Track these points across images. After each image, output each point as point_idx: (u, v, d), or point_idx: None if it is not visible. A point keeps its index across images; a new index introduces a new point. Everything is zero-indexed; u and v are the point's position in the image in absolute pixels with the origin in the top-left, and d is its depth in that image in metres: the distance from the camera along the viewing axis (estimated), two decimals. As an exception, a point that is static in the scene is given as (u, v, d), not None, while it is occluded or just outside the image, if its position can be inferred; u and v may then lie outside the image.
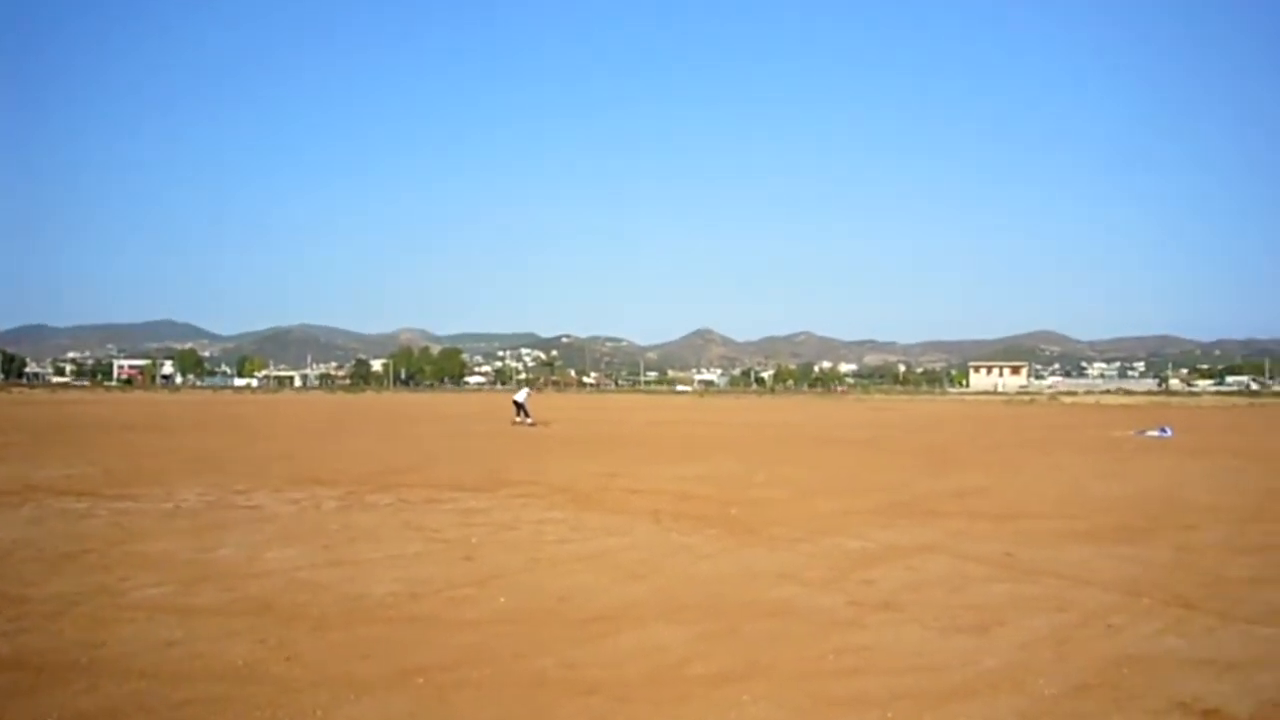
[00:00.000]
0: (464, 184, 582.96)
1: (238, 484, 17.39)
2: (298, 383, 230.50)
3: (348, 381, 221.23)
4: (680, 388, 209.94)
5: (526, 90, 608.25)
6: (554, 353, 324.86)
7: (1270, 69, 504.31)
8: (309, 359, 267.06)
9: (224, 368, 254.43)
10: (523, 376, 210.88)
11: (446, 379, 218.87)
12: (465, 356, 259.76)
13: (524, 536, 12.04)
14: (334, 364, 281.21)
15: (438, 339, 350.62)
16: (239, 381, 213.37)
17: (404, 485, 17.61)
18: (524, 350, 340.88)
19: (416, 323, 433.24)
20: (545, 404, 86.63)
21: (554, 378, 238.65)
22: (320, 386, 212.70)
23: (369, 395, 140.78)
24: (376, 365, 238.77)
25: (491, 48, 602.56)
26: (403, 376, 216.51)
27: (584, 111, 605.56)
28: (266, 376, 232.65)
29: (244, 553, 10.64)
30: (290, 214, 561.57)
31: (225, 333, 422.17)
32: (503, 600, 8.51)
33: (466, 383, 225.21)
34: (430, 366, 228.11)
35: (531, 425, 40.25)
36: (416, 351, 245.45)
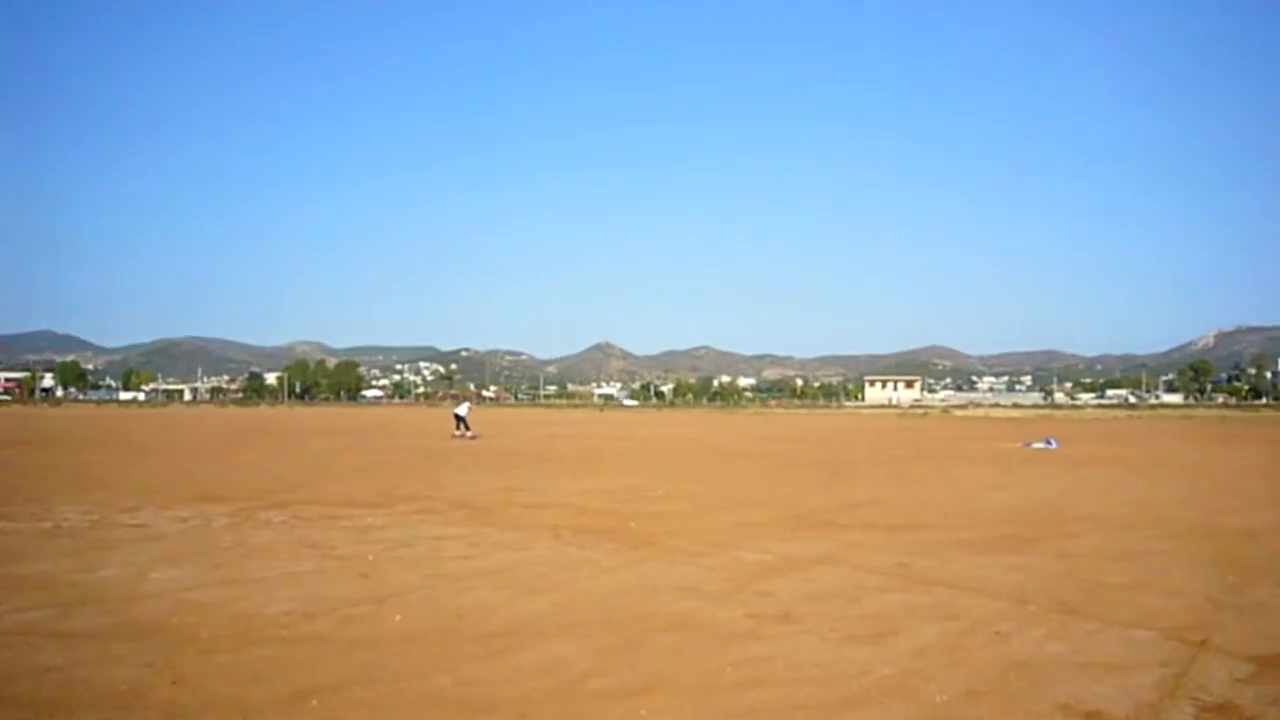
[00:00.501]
0: (361, 195, 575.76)
1: (123, 501, 16.85)
2: (188, 396, 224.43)
3: (240, 395, 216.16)
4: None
5: (426, 104, 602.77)
6: (453, 366, 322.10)
7: (1146, 107, 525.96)
8: (199, 372, 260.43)
9: (109, 381, 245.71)
10: (455, 392, 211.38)
11: (343, 392, 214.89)
12: (362, 370, 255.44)
13: (421, 553, 11.89)
14: (226, 377, 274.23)
15: (334, 352, 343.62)
16: (125, 395, 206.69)
17: (298, 501, 17.27)
18: (423, 364, 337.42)
19: (312, 335, 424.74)
20: (444, 418, 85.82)
21: (453, 391, 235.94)
22: (211, 400, 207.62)
23: (262, 409, 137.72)
24: (270, 378, 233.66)
25: (388, 61, 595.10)
26: (298, 390, 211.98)
27: (484, 126, 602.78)
28: (154, 390, 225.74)
29: (129, 573, 10.30)
30: (180, 222, 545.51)
31: (110, 344, 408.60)
32: (399, 618, 8.39)
33: (364, 396, 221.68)
34: (326, 380, 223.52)
35: (472, 438, 41.26)
36: (312, 364, 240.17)
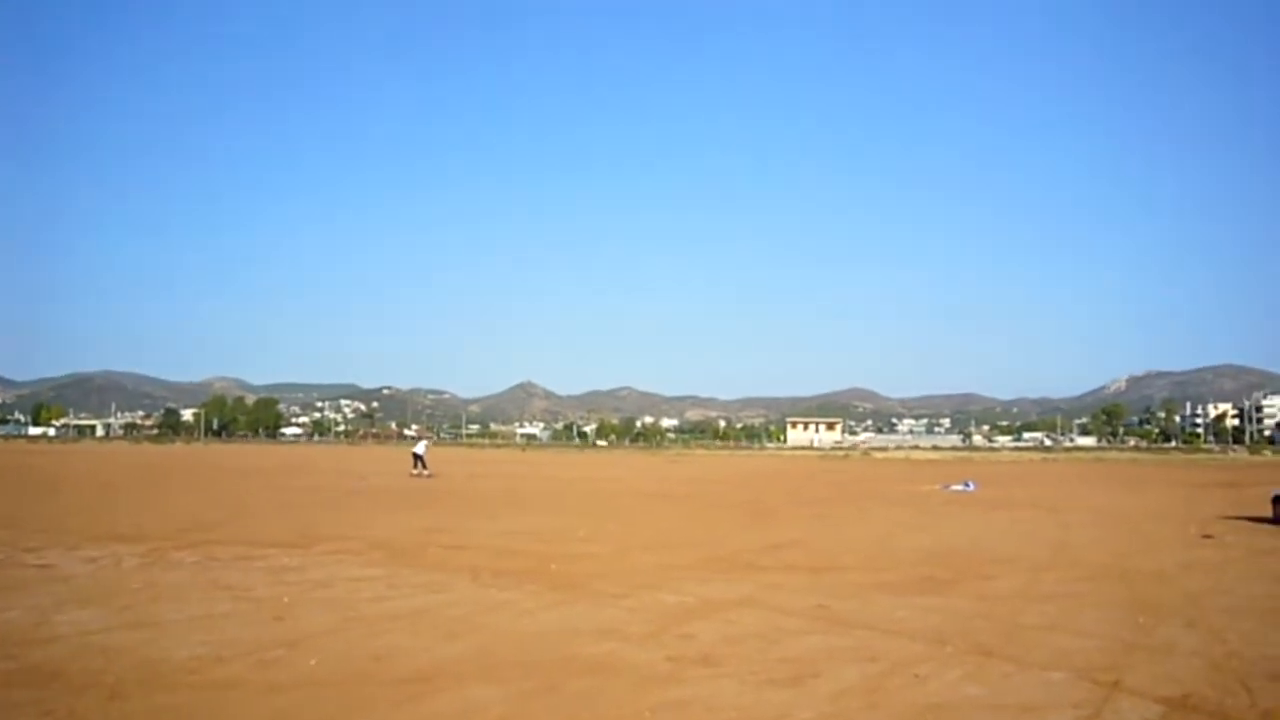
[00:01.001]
0: (281, 229, 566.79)
1: (28, 541, 16.32)
2: (100, 432, 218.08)
3: (155, 431, 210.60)
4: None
5: (349, 139, 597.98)
6: (375, 404, 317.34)
7: (1056, 153, 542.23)
8: (113, 407, 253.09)
9: (18, 415, 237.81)
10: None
11: (262, 430, 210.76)
12: (282, 407, 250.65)
13: (339, 594, 11.69)
14: (141, 413, 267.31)
15: (253, 388, 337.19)
16: (34, 430, 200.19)
17: (213, 541, 16.87)
18: (344, 401, 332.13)
19: (231, 371, 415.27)
20: (367, 456, 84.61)
21: (374, 430, 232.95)
22: (125, 436, 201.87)
23: (178, 446, 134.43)
24: (187, 415, 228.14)
25: (311, 100, 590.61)
26: (215, 427, 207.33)
27: (405, 162, 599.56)
28: (65, 425, 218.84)
29: (32, 616, 9.96)
30: (94, 254, 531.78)
31: (19, 378, 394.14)
32: (314, 662, 8.23)
33: (283, 434, 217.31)
34: (245, 417, 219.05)
35: (429, 476, 42.52)
36: (230, 401, 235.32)
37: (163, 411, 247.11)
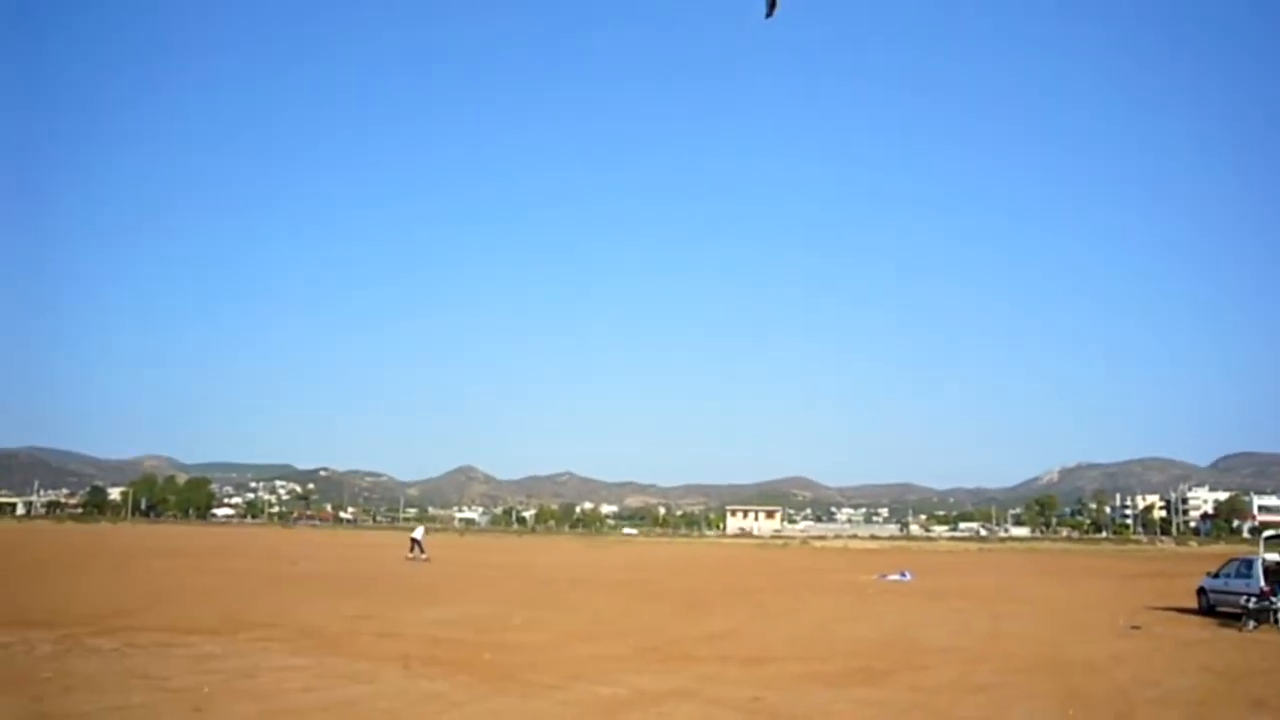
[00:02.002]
0: (217, 307, 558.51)
1: (-65, 626, 15.70)
2: (21, 510, 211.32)
3: (80, 511, 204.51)
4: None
5: (277, 217, 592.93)
6: (311, 486, 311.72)
7: (988, 248, 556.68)
8: (35, 485, 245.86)
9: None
10: (411, 515, 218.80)
11: (192, 511, 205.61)
12: (215, 487, 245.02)
13: (262, 685, 11.35)
14: (65, 491, 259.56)
15: (186, 467, 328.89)
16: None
17: (133, 628, 16.36)
18: (279, 482, 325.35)
19: (163, 449, 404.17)
20: (301, 540, 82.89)
21: (309, 512, 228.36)
22: (48, 515, 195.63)
23: (103, 526, 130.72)
24: (114, 494, 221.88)
25: (233, 174, 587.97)
26: (144, 507, 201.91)
27: (343, 241, 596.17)
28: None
29: (-66, 706, 9.55)
30: (19, 323, 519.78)
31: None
32: (232, 756, 7.96)
33: (215, 515, 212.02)
34: (175, 497, 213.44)
35: (426, 560, 44.85)
36: (161, 480, 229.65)
37: (88, 490, 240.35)
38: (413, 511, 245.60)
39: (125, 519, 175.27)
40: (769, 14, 12.30)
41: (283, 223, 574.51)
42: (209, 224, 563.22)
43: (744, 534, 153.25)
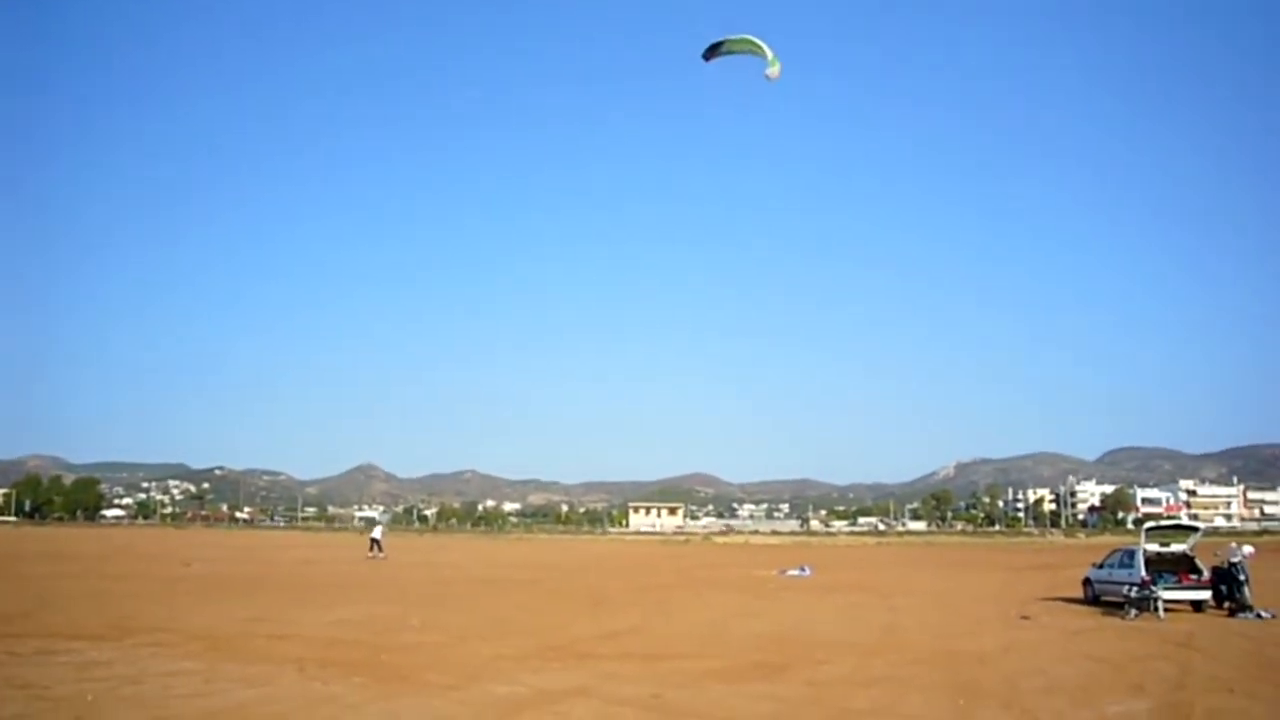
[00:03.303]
0: (104, 299, 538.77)
1: None
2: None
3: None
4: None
5: (182, 207, 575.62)
6: (206, 485, 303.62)
7: (882, 243, 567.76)
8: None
9: None
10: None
11: (81, 512, 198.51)
12: (104, 487, 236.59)
13: (149, 691, 11.02)
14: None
15: (73, 467, 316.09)
16: None
17: (11, 635, 15.73)
18: (172, 482, 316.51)
19: (48, 449, 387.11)
20: (194, 541, 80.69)
21: (203, 512, 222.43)
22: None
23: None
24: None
25: (137, 179, 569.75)
26: (27, 509, 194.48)
27: (242, 233, 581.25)
28: None
29: None
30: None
31: None
32: (115, 766, 7.72)
33: (104, 517, 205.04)
34: (61, 498, 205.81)
35: (383, 558, 46.48)
36: (46, 480, 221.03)
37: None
38: (311, 510, 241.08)
39: (7, 521, 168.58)
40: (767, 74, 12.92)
41: (181, 208, 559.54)
42: (90, 209, 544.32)
43: (647, 531, 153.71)
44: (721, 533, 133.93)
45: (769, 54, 14.37)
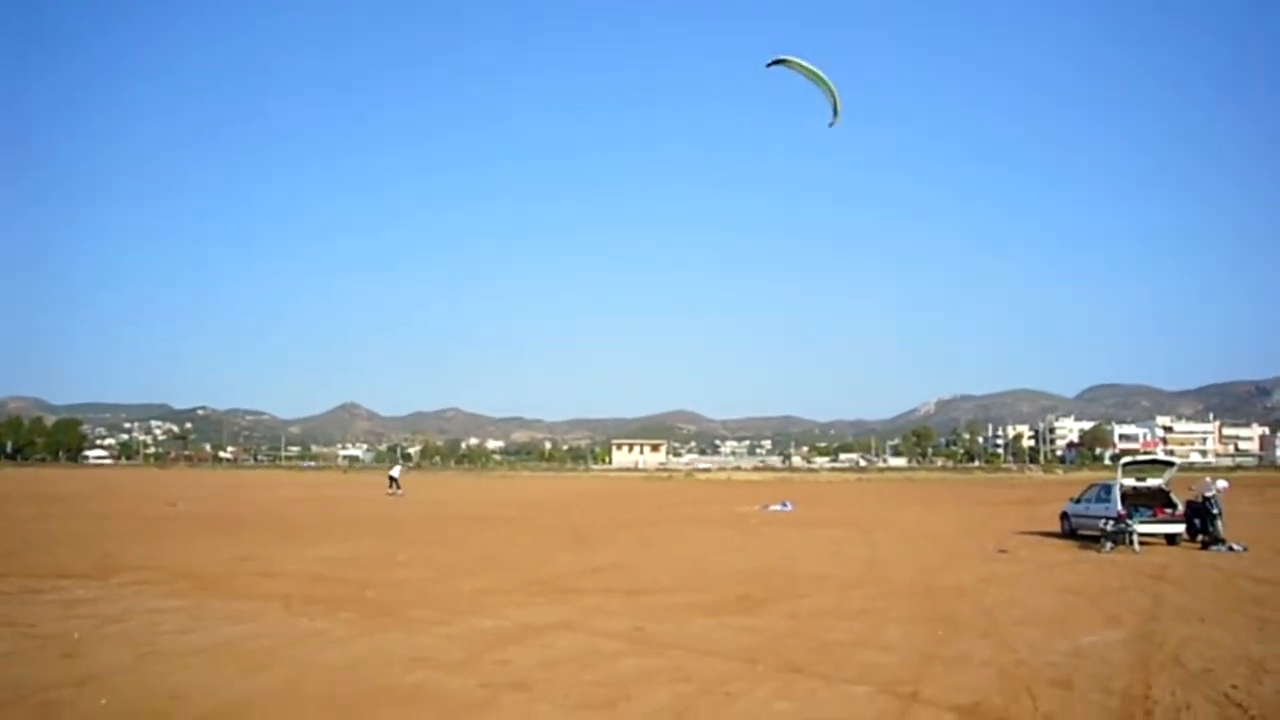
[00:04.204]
0: (87, 239, 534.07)
1: None
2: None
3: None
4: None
5: (171, 142, 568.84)
6: (188, 425, 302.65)
7: (872, 182, 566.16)
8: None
9: None
10: (294, 452, 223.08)
11: (63, 453, 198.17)
12: (86, 429, 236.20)
13: (136, 628, 11.11)
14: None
15: (54, 409, 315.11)
16: None
17: (-3, 574, 15.80)
18: (154, 423, 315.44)
19: (29, 390, 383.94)
20: (178, 480, 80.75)
21: (186, 452, 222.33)
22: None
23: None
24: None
25: (135, 124, 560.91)
26: (9, 450, 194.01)
27: (226, 166, 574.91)
28: None
29: None
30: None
31: None
32: (104, 702, 7.79)
33: (86, 458, 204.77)
34: (43, 439, 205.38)
35: (401, 494, 49.78)
36: (27, 422, 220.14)
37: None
38: (295, 450, 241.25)
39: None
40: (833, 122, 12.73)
41: (168, 145, 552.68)
42: (73, 150, 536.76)
43: (629, 468, 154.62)
44: (704, 469, 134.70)
45: (838, 102, 14.08)
